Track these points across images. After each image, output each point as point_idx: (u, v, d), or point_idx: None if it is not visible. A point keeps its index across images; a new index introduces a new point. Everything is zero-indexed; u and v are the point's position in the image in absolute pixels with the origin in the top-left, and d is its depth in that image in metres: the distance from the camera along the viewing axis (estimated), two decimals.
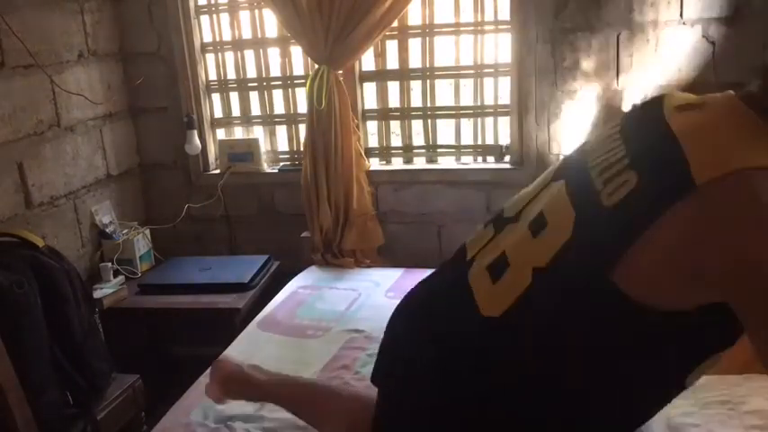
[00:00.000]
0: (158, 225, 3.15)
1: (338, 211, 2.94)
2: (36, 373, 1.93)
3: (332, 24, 2.73)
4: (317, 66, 2.85)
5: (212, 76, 3.22)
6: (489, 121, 2.99)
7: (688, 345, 1.00)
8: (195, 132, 3.10)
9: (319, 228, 2.94)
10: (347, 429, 1.45)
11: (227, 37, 3.15)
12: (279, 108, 3.20)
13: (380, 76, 3.05)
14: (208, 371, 2.11)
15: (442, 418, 1.13)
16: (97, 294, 2.64)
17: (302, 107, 3.11)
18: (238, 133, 3.27)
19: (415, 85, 3.04)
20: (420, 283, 1.34)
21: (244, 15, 3.10)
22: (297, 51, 3.08)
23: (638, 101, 2.67)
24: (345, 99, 2.86)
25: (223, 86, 3.21)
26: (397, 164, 3.13)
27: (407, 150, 3.12)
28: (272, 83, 3.16)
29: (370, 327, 2.33)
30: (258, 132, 3.22)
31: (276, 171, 3.17)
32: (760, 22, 2.50)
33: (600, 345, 1.02)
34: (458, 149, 3.06)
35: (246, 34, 3.12)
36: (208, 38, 3.17)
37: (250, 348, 2.26)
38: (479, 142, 3.03)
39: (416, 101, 3.05)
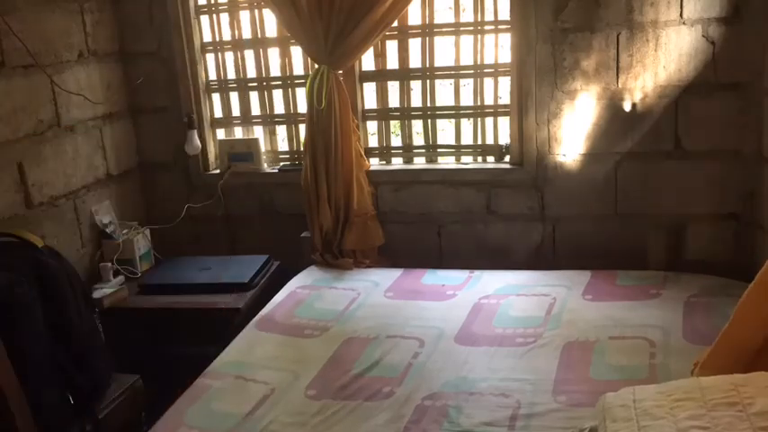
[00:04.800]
0: (158, 225, 3.15)
1: (338, 211, 2.94)
2: (36, 374, 1.93)
3: (332, 24, 2.73)
4: (316, 66, 2.84)
5: (212, 76, 3.22)
6: (489, 121, 2.99)
7: None
8: (195, 132, 3.10)
9: (319, 228, 2.94)
10: None
11: (227, 37, 3.15)
12: (279, 108, 3.20)
13: (380, 76, 3.05)
14: (207, 371, 2.13)
15: None
16: (97, 294, 2.64)
17: (302, 107, 3.11)
18: (238, 133, 3.27)
19: (415, 85, 3.04)
20: None
21: (244, 15, 3.10)
22: (297, 51, 3.08)
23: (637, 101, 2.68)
24: (345, 99, 2.86)
25: (223, 86, 3.21)
26: (397, 164, 3.13)
27: (407, 150, 3.12)
28: (272, 83, 3.16)
29: (368, 326, 2.34)
30: (258, 132, 3.22)
31: (276, 171, 3.17)
32: (760, 22, 2.50)
33: None
34: (458, 149, 3.06)
35: (246, 34, 3.12)
36: (208, 38, 3.17)
37: (249, 348, 2.27)
38: (479, 142, 3.03)
39: (416, 101, 3.05)
